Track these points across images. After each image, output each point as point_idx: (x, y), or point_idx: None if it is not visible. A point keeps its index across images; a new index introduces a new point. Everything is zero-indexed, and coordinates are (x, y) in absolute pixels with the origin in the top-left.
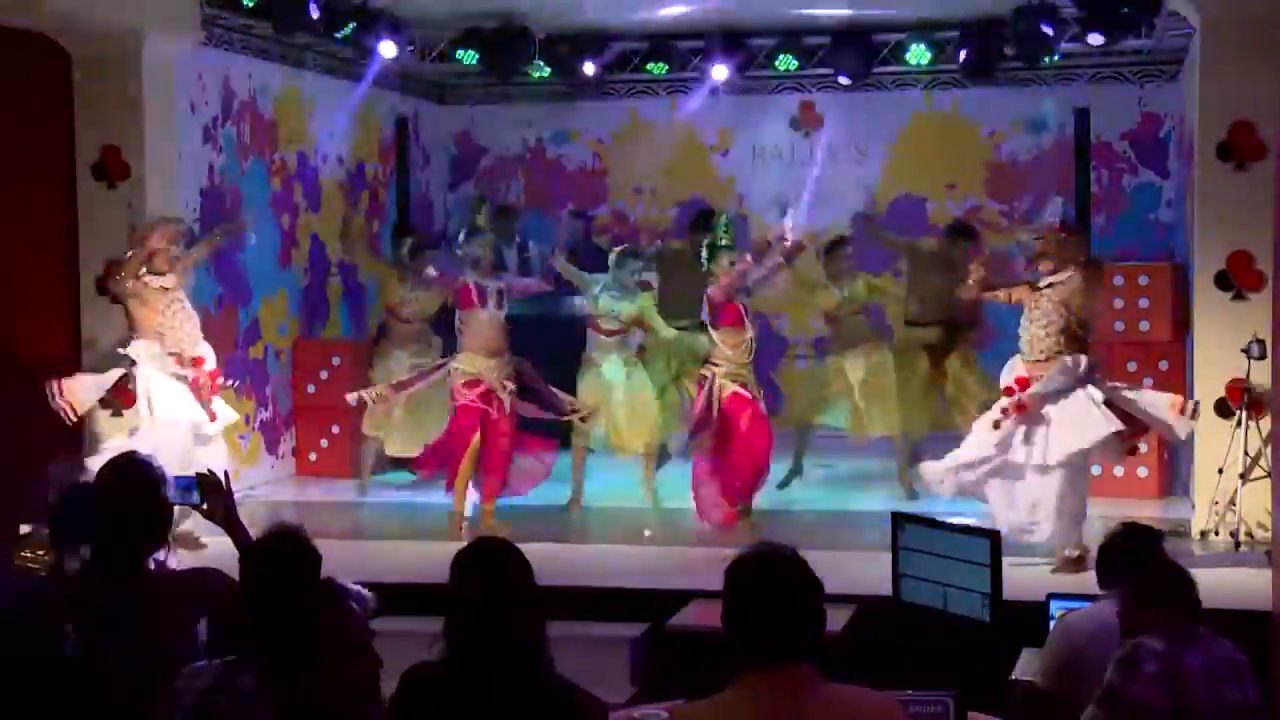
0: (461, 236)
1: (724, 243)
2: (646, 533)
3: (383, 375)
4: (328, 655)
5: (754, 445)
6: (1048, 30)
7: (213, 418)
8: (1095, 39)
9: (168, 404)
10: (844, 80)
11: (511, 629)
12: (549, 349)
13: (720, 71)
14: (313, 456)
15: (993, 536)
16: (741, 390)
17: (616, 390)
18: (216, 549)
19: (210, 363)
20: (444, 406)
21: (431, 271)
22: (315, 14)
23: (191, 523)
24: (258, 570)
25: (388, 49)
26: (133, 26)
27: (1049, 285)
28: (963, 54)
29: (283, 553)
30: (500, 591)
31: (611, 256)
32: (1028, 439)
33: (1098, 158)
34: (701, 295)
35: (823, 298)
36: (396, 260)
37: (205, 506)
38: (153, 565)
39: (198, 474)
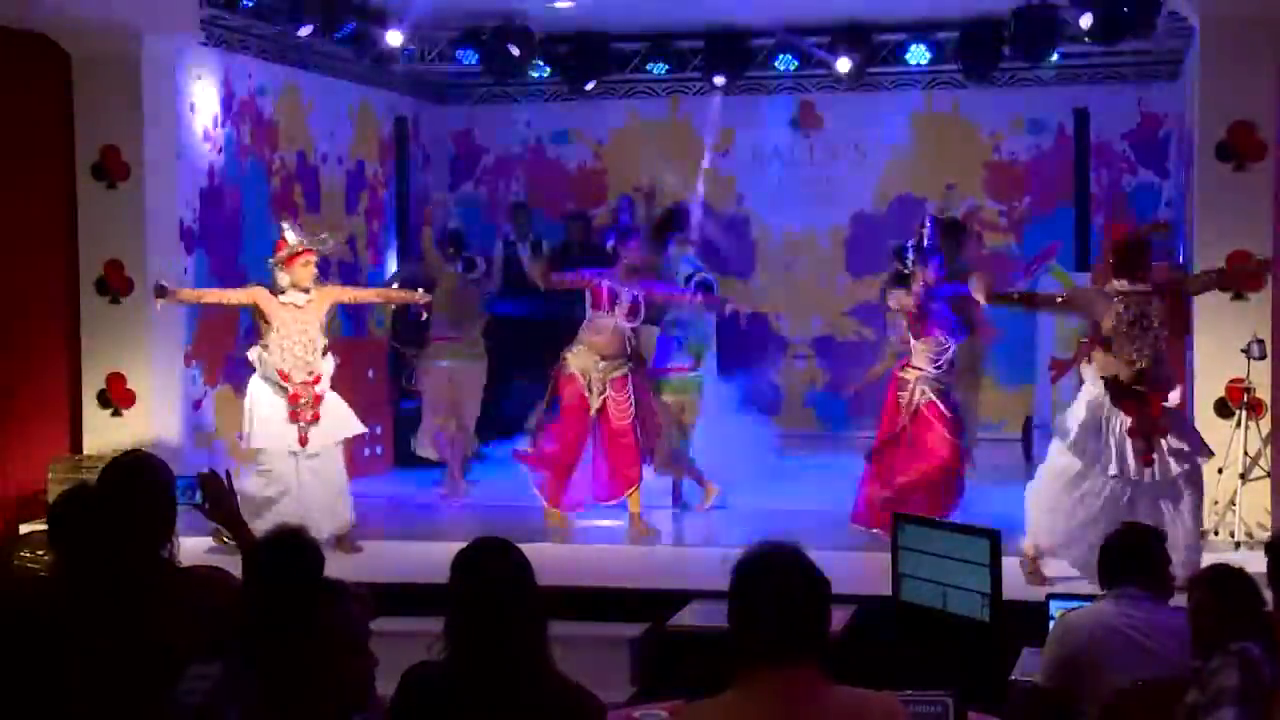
0: (612, 240)
1: (929, 245)
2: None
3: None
4: (327, 655)
5: (933, 458)
6: (1047, 31)
7: (303, 442)
8: (1094, 39)
9: (263, 423)
10: (843, 80)
11: (511, 629)
12: (533, 349)
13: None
14: None
15: (992, 537)
16: (937, 401)
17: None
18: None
19: (323, 383)
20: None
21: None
22: (315, 14)
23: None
24: (262, 570)
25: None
26: (132, 26)
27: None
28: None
29: (287, 552)
30: (500, 591)
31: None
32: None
33: (1097, 158)
34: None
35: None
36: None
37: (207, 506)
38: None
39: (198, 474)
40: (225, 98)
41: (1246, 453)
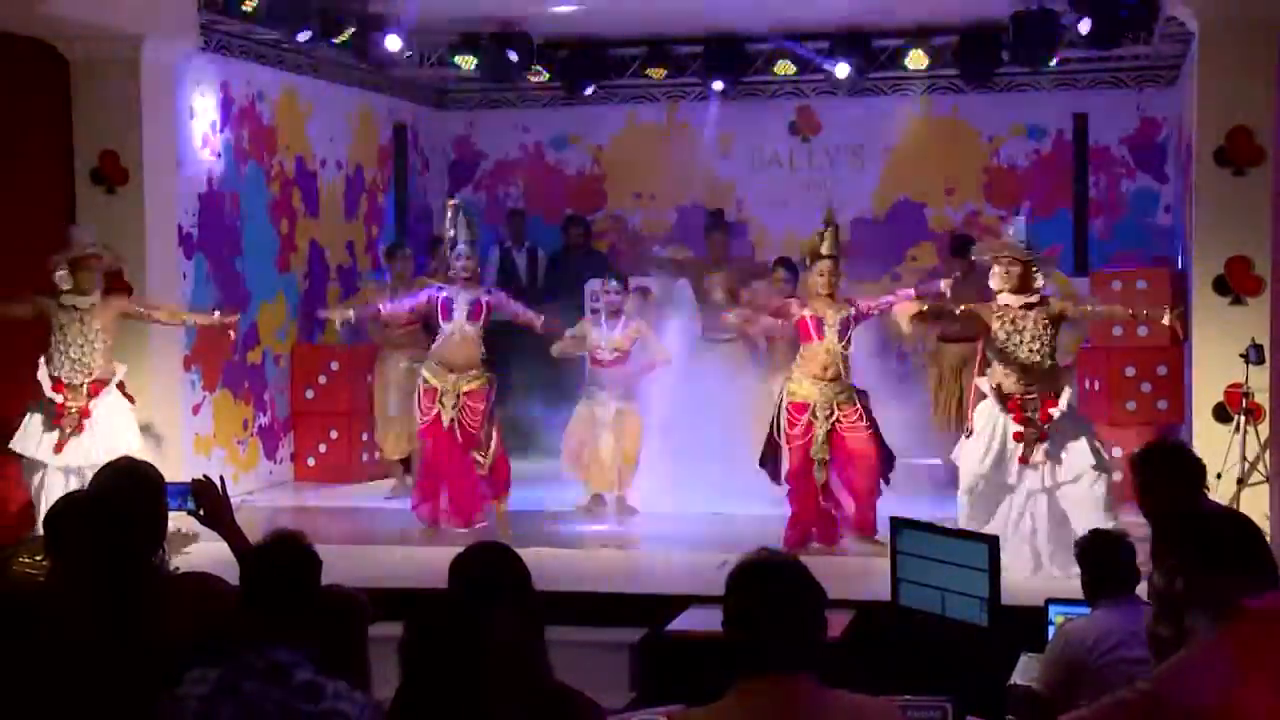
0: (446, 247)
1: (825, 251)
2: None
3: (380, 382)
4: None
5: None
6: (1046, 35)
7: (58, 449)
8: (1094, 45)
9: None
10: (841, 85)
11: (510, 633)
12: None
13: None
14: (311, 461)
15: (991, 542)
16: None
17: (604, 431)
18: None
19: (103, 395)
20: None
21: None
22: (315, 18)
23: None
24: (259, 574)
25: (392, 43)
26: (131, 31)
27: (1027, 305)
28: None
29: (284, 557)
30: (498, 596)
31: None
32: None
33: (1096, 163)
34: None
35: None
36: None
37: (201, 513)
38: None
39: (193, 479)
40: (224, 103)
41: (1245, 458)
